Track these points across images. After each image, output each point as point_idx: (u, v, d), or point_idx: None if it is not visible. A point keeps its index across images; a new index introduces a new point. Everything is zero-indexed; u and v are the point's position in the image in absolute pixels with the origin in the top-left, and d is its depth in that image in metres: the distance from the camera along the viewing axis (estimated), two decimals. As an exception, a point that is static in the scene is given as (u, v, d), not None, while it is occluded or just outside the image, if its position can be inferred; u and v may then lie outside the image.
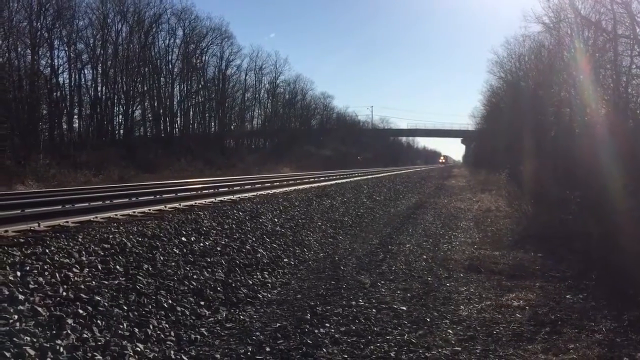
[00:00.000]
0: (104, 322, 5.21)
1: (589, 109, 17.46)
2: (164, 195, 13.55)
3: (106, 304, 5.56)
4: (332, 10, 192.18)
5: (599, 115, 17.22)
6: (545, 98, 24.06)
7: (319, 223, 13.26)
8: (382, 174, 38.96)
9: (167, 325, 5.69)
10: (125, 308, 5.66)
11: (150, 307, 5.92)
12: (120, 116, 47.96)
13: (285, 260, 9.47)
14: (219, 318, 6.28)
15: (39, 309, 4.92)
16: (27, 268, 5.70)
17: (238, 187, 17.72)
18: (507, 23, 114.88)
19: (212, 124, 61.40)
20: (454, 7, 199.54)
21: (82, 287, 5.71)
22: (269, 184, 20.52)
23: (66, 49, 41.53)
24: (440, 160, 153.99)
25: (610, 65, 17.66)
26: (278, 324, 6.08)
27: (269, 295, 7.43)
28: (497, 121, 41.67)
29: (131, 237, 7.83)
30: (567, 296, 7.42)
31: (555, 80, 23.49)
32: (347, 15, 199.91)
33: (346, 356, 5.18)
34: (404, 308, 6.79)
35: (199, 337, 5.64)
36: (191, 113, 57.22)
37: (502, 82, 40.70)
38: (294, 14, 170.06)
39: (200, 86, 58.07)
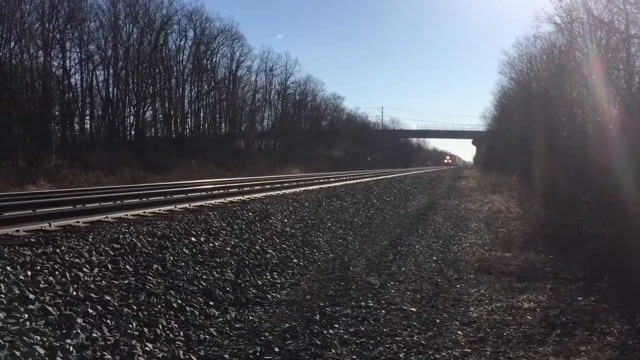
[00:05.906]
0: (113, 322, 5.23)
1: (601, 109, 17.26)
2: (174, 196, 13.61)
3: (116, 303, 5.58)
4: (342, 10, 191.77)
5: (612, 116, 17.03)
6: (557, 99, 23.82)
7: (329, 224, 13.25)
8: (392, 175, 38.82)
9: (176, 325, 5.70)
10: (135, 308, 5.67)
11: (159, 307, 5.94)
12: (132, 117, 48.45)
13: (295, 260, 9.47)
14: (228, 318, 6.29)
15: (49, 308, 4.95)
16: (38, 267, 5.73)
17: (248, 188, 17.75)
18: (518, 23, 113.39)
19: (223, 125, 61.71)
20: (465, 8, 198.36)
21: (92, 286, 5.74)
22: (279, 185, 20.53)
23: (78, 50, 42.06)
24: (446, 161, 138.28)
25: (622, 66, 17.47)
26: (287, 325, 6.08)
27: (278, 296, 7.43)
28: (508, 122, 41.31)
29: (141, 237, 7.86)
30: (579, 298, 7.35)
31: (567, 81, 23.24)
32: (357, 16, 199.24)
33: (355, 357, 5.16)
34: (414, 309, 6.75)
35: (208, 337, 5.64)
36: (202, 114, 57.43)
37: (513, 82, 40.30)
38: (303, 14, 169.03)
39: (210, 87, 58.34)
